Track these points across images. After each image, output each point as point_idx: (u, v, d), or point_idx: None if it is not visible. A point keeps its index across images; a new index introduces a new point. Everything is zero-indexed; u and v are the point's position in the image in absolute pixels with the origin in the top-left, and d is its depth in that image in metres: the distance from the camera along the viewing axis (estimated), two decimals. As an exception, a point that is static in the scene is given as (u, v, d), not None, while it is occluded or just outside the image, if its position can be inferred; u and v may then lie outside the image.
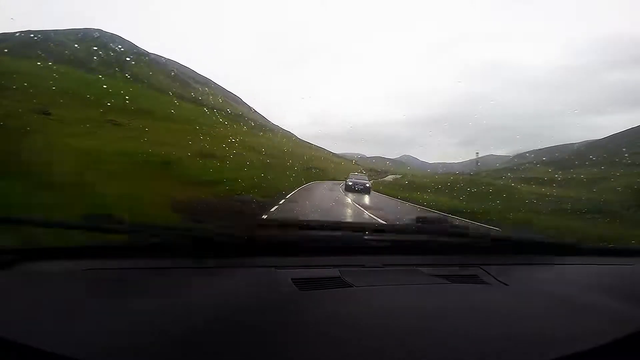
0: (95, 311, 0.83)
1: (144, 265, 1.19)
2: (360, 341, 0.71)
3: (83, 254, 1.23)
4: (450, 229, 1.66)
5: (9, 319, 0.78)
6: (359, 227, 1.72)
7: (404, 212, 14.69)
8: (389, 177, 61.99)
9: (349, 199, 16.68)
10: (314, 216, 9.75)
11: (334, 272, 1.18)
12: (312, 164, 45.10)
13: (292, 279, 1.08)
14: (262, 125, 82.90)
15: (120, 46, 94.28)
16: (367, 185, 22.34)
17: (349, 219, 9.81)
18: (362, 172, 33.75)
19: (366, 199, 18.08)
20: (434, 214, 13.01)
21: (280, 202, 11.66)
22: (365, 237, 1.61)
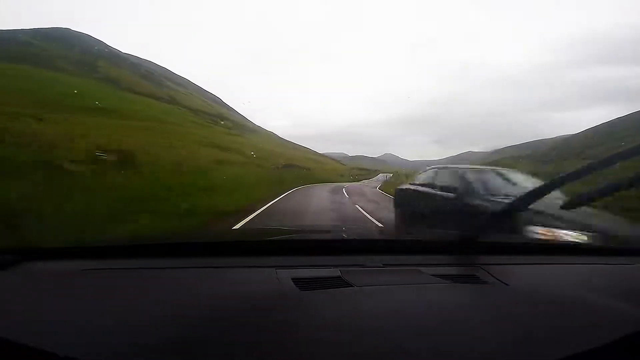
0: (95, 311, 0.83)
1: (144, 265, 1.19)
2: (361, 341, 0.71)
3: (83, 254, 1.24)
4: (450, 229, 1.69)
5: (9, 319, 0.78)
6: (359, 228, 1.59)
7: None
8: (380, 176, 63.45)
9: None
10: None
11: (334, 271, 1.17)
12: (298, 163, 42.23)
13: (292, 279, 1.07)
14: (242, 126, 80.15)
15: (90, 45, 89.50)
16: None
17: None
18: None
19: None
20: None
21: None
22: (366, 237, 1.71)
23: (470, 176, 5.42)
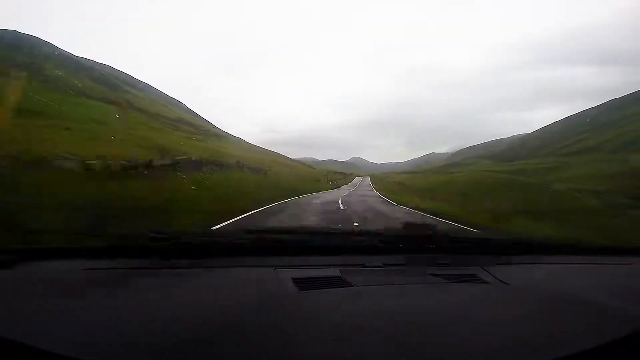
0: (95, 311, 0.83)
1: (143, 265, 1.18)
2: (361, 340, 0.70)
3: (83, 254, 1.22)
4: (449, 229, 1.71)
5: (10, 318, 0.77)
6: (358, 228, 1.67)
7: None
8: (357, 179, 64.54)
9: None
10: None
11: (334, 271, 1.16)
12: (266, 167, 38.43)
13: (292, 279, 1.07)
14: (207, 131, 75.98)
15: (37, 48, 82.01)
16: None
17: None
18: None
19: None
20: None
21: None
22: (366, 237, 1.63)
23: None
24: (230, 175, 21.60)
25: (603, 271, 1.45)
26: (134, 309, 0.84)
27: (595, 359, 0.68)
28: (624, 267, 1.50)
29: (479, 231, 7.25)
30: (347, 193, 26.74)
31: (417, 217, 12.20)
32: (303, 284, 1.03)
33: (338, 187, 40.88)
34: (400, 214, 13.00)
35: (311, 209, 12.48)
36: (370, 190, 34.45)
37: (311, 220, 9.60)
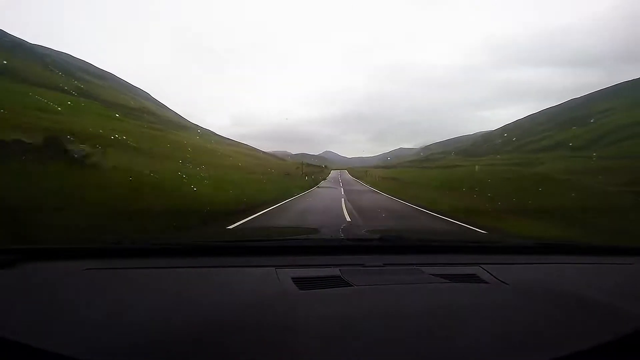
0: (95, 311, 0.82)
1: (143, 265, 1.16)
2: (360, 340, 0.69)
3: (83, 254, 1.21)
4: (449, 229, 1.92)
5: (10, 318, 0.77)
6: (358, 228, 1.60)
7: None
8: (334, 173, 64.19)
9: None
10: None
11: (334, 271, 1.15)
12: (232, 161, 34.53)
13: (292, 278, 1.06)
14: (169, 121, 71.07)
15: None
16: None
17: None
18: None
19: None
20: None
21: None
22: (366, 237, 1.66)
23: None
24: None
25: (603, 271, 1.42)
26: (134, 309, 0.83)
27: (596, 358, 0.67)
28: (624, 267, 1.47)
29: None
30: (338, 196, 17.72)
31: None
32: (303, 283, 1.02)
33: (316, 184, 32.82)
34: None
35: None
36: (367, 189, 26.06)
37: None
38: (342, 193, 20.15)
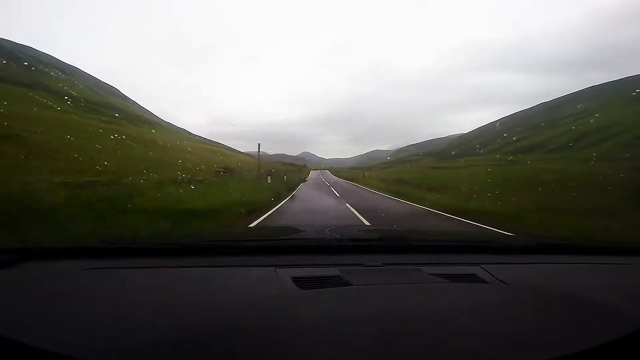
0: (95, 311, 0.81)
1: (143, 265, 1.16)
2: (360, 340, 0.68)
3: (83, 254, 1.20)
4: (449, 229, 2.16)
5: (10, 318, 0.76)
6: (358, 228, 1.70)
7: None
8: (314, 173, 62.41)
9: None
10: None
11: (334, 270, 1.15)
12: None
13: (292, 278, 1.06)
14: (137, 117, 65.93)
15: None
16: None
17: None
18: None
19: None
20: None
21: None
22: (365, 237, 1.64)
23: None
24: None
25: (603, 271, 1.40)
26: (134, 309, 0.82)
27: (596, 358, 0.67)
28: (624, 267, 1.46)
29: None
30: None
31: None
32: (303, 283, 1.02)
33: (293, 185, 23.88)
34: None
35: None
36: (382, 197, 17.34)
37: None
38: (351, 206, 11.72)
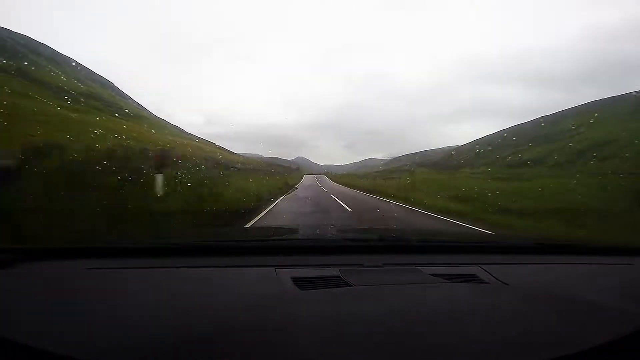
0: (95, 311, 0.81)
1: (143, 265, 1.15)
2: (360, 340, 0.68)
3: (83, 254, 1.20)
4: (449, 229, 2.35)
5: (10, 318, 0.76)
6: (358, 228, 1.65)
7: None
8: (307, 178, 58.38)
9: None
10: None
11: (333, 271, 1.14)
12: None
13: (292, 278, 1.06)
14: (137, 116, 63.43)
15: None
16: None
17: None
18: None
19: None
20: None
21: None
22: (365, 237, 1.64)
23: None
24: None
25: (603, 271, 1.39)
26: (134, 309, 0.82)
27: (596, 358, 0.66)
28: (624, 267, 1.44)
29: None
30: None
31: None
32: (303, 283, 1.02)
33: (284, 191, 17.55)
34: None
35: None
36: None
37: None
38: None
